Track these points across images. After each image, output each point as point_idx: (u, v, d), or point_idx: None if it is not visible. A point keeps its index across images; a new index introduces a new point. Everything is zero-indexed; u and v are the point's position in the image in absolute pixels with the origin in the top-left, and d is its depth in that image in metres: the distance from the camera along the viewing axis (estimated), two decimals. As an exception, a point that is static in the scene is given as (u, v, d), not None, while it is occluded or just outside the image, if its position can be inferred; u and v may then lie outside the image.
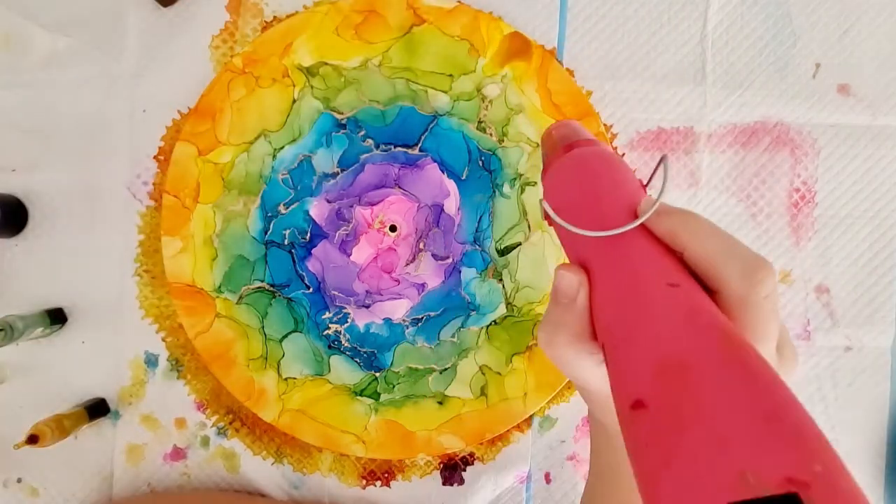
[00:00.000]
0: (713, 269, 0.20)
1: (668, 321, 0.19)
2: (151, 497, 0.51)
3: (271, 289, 0.51)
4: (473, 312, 0.52)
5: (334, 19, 0.51)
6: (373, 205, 0.51)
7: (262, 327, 0.51)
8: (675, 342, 0.18)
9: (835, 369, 0.53)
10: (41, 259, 0.51)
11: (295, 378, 0.51)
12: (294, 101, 0.51)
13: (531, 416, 0.52)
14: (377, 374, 0.51)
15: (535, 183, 0.52)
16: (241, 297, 0.51)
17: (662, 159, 0.22)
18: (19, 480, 0.51)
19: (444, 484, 0.52)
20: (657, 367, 0.17)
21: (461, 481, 0.52)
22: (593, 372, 0.22)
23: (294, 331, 0.51)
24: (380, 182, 0.52)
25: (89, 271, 0.52)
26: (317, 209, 0.51)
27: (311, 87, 0.51)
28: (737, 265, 0.20)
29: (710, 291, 0.20)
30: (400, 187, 0.52)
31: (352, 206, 0.51)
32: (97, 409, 0.50)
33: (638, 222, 0.22)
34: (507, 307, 0.52)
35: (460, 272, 0.52)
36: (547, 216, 0.25)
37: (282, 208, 0.51)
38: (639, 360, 0.18)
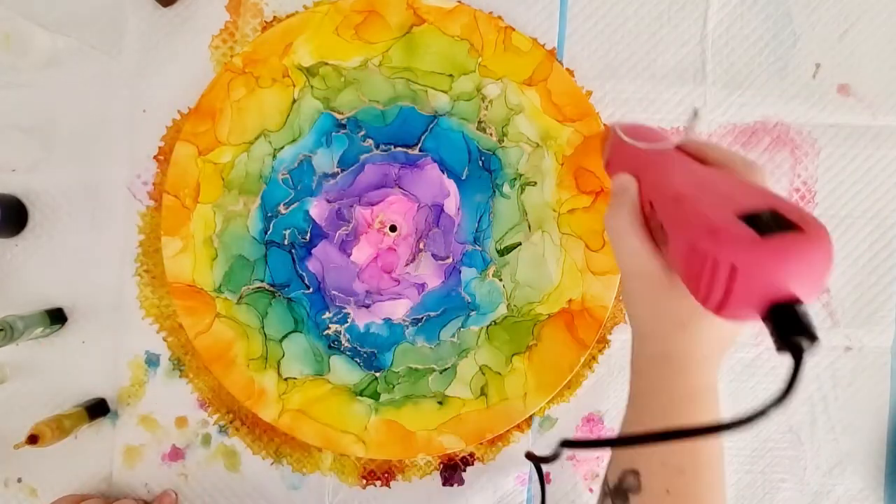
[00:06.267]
0: (725, 165, 0.32)
1: (690, 168, 0.32)
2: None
3: (271, 289, 0.51)
4: (473, 312, 0.52)
5: (334, 19, 0.51)
6: (373, 205, 0.51)
7: (262, 327, 0.51)
8: (700, 174, 0.31)
9: (835, 369, 0.53)
10: (41, 259, 0.52)
11: (295, 378, 0.51)
12: (294, 101, 0.51)
13: (531, 416, 0.52)
14: (377, 374, 0.51)
15: (535, 183, 0.51)
16: (241, 297, 0.51)
17: (696, 111, 0.35)
18: (19, 480, 0.51)
19: (444, 484, 0.52)
20: (686, 182, 0.31)
21: (461, 482, 0.52)
22: (643, 246, 0.32)
23: (294, 331, 0.51)
24: (380, 182, 0.52)
25: (89, 271, 0.52)
26: (317, 209, 0.51)
27: (311, 87, 0.51)
28: (739, 160, 0.32)
29: None
30: (400, 187, 0.52)
31: (352, 206, 0.51)
32: (97, 409, 0.50)
33: (682, 139, 0.34)
34: (507, 307, 0.52)
35: (460, 272, 0.52)
36: (612, 138, 0.38)
37: (282, 208, 0.51)
38: (673, 176, 0.32)
